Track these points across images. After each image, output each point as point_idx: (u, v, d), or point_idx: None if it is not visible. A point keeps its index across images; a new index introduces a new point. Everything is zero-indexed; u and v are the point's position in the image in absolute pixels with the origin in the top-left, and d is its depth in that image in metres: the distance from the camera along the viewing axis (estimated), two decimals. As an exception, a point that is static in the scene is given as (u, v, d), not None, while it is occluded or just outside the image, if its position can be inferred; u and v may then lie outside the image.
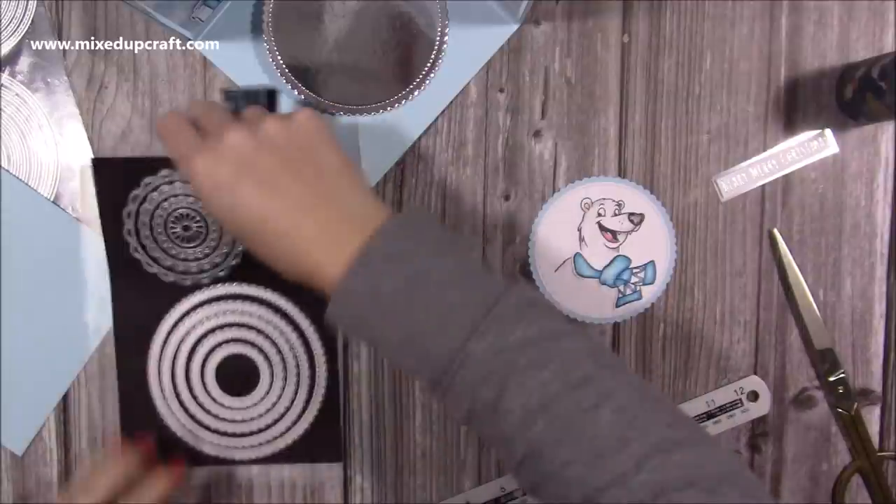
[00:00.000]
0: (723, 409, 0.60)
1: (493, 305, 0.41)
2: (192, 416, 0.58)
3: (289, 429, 0.58)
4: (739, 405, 0.60)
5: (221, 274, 0.57)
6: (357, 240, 0.42)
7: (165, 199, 0.56)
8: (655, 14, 0.59)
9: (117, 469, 0.53)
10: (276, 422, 0.58)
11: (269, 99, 0.52)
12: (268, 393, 0.58)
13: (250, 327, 0.58)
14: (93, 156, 0.57)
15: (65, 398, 0.59)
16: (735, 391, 0.60)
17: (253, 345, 0.58)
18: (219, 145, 0.44)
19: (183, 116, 0.48)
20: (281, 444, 0.58)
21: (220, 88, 0.57)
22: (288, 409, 0.58)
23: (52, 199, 0.58)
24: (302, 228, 0.43)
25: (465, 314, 0.40)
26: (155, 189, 0.56)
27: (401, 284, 0.41)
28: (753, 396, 0.60)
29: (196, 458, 0.58)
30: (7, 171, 0.58)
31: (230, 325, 0.58)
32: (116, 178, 0.56)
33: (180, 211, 0.56)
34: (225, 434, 0.58)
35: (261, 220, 0.44)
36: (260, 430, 0.58)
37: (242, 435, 0.58)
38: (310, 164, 0.45)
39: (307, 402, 0.58)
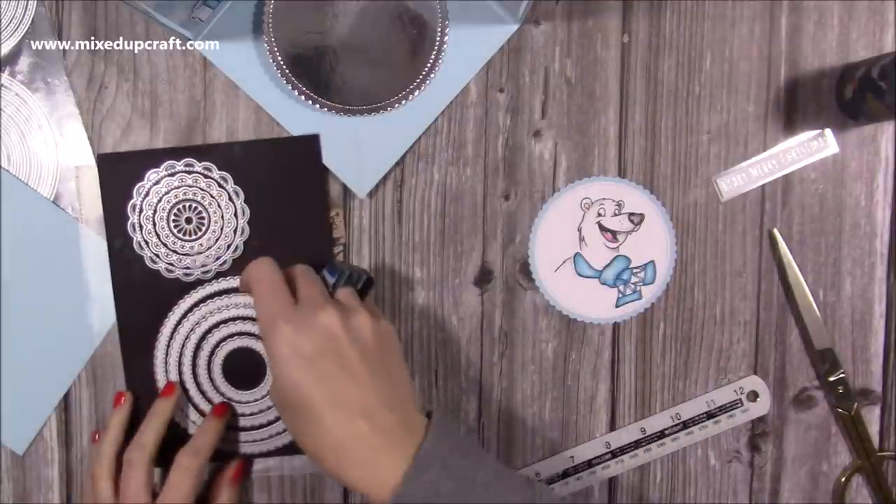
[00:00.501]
0: (723, 409, 0.60)
1: (534, 499, 0.45)
2: (200, 412, 0.58)
3: None
4: (739, 405, 0.60)
5: (224, 268, 0.57)
6: (409, 447, 0.44)
7: (168, 192, 0.57)
8: (655, 14, 0.58)
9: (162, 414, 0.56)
10: None
11: (364, 286, 0.53)
12: None
13: (255, 320, 0.58)
14: (94, 155, 0.58)
15: (66, 397, 0.59)
16: (735, 391, 0.60)
17: (259, 338, 0.58)
18: (310, 319, 0.46)
19: (279, 272, 0.50)
20: (286, 437, 0.59)
21: (329, 258, 0.58)
22: None
23: (52, 199, 0.58)
24: (360, 427, 0.44)
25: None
26: (158, 182, 0.57)
27: (456, 486, 0.43)
28: (753, 396, 0.60)
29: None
30: (7, 171, 0.58)
31: (235, 318, 0.58)
32: (120, 172, 0.57)
33: (183, 203, 0.57)
34: (233, 428, 0.58)
35: (324, 403, 0.45)
36: (269, 423, 0.59)
37: (252, 428, 0.59)
38: (383, 368, 0.47)
39: None
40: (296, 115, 0.58)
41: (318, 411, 0.45)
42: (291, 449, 0.59)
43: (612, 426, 0.60)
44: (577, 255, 0.59)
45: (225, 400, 0.58)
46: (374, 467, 0.44)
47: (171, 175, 0.57)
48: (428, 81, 0.57)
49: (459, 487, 0.44)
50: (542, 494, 0.46)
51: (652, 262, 0.59)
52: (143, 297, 0.58)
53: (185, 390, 0.58)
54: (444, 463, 0.44)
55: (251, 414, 0.59)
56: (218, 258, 0.57)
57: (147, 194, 0.57)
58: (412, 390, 0.49)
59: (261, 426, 0.59)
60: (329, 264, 0.53)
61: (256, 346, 0.58)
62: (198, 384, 0.58)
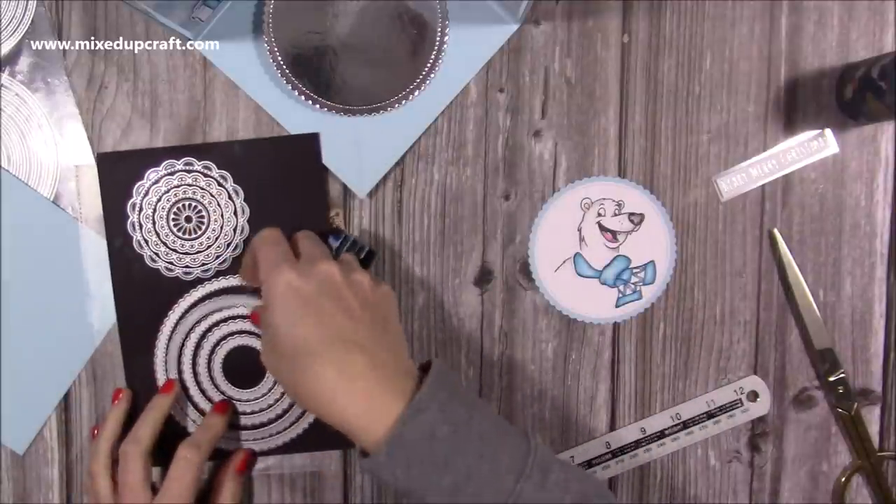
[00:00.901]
0: (723, 409, 0.60)
1: (529, 453, 0.45)
2: (199, 410, 0.58)
3: (298, 418, 0.58)
4: (739, 405, 0.60)
5: (224, 266, 0.57)
6: (407, 389, 0.45)
7: (168, 190, 0.57)
8: (655, 14, 0.58)
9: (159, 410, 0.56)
10: (284, 412, 0.59)
11: (367, 257, 0.55)
12: (275, 384, 0.58)
13: None
14: (94, 154, 0.58)
15: (66, 397, 0.59)
16: (735, 391, 0.60)
17: (258, 336, 0.58)
18: (310, 267, 0.47)
19: (283, 235, 0.52)
20: (290, 434, 0.59)
21: (333, 225, 0.58)
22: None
23: (52, 199, 0.58)
24: (357, 363, 0.45)
25: (512, 460, 0.44)
26: (157, 181, 0.57)
27: (451, 431, 0.44)
28: (753, 396, 0.60)
29: None
30: (7, 171, 0.58)
31: (235, 317, 0.58)
32: (120, 172, 0.57)
33: (182, 202, 0.57)
34: (234, 426, 0.58)
35: (322, 339, 0.45)
36: (270, 421, 0.59)
37: (252, 427, 0.59)
38: (382, 320, 0.48)
39: None
40: (296, 114, 0.58)
41: (315, 347, 0.45)
42: (291, 448, 0.59)
43: (612, 426, 0.60)
44: (577, 255, 0.59)
45: (225, 398, 0.58)
46: (370, 406, 0.44)
47: (171, 174, 0.57)
48: (428, 81, 0.57)
49: (455, 432, 0.44)
50: (538, 449, 0.45)
51: (652, 262, 0.59)
52: (143, 295, 0.58)
53: (185, 389, 0.58)
54: (441, 407, 0.44)
55: (251, 412, 0.59)
56: (218, 257, 0.57)
57: (147, 193, 0.57)
58: (408, 348, 0.50)
59: (261, 425, 0.59)
60: (331, 230, 0.55)
61: (256, 344, 0.58)
62: (198, 383, 0.58)
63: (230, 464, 0.57)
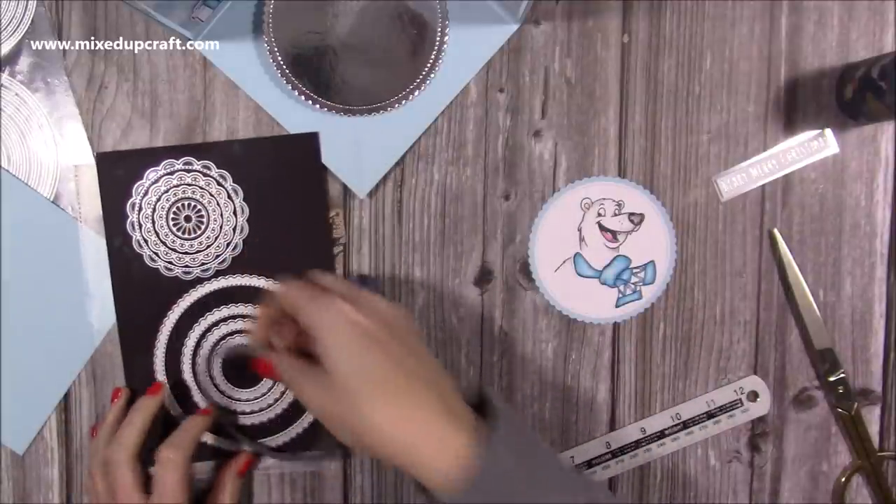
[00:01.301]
0: (723, 409, 0.60)
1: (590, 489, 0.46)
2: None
3: (298, 418, 0.58)
4: (739, 405, 0.60)
5: (223, 266, 0.57)
6: (468, 429, 0.44)
7: (167, 190, 0.57)
8: (655, 14, 0.58)
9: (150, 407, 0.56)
10: (284, 412, 0.59)
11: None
12: (275, 383, 0.58)
13: (255, 318, 0.58)
14: (94, 154, 0.58)
15: (66, 397, 0.59)
16: (735, 391, 0.60)
17: None
18: (363, 302, 0.46)
19: (310, 285, 0.50)
20: (291, 434, 0.59)
21: (358, 274, 0.59)
22: (296, 399, 0.58)
23: (51, 199, 0.58)
24: (422, 396, 0.44)
25: (578, 494, 0.44)
26: (157, 180, 0.57)
27: (525, 470, 0.43)
28: (753, 396, 0.60)
29: (205, 451, 0.58)
30: (7, 171, 0.58)
31: (234, 317, 0.58)
32: (119, 171, 0.57)
33: (182, 202, 0.57)
34: (233, 427, 0.58)
35: (389, 374, 0.44)
36: (270, 421, 0.59)
37: (251, 427, 0.59)
38: (428, 352, 0.48)
39: None
40: (296, 114, 0.58)
41: (380, 382, 0.44)
42: (291, 448, 0.59)
43: (612, 426, 0.60)
44: (577, 255, 0.59)
45: (221, 400, 0.58)
46: (436, 441, 0.43)
47: (170, 173, 0.57)
48: (428, 81, 0.57)
49: (528, 470, 0.43)
50: (599, 488, 0.46)
51: (652, 262, 0.59)
52: (143, 295, 0.58)
53: (185, 389, 0.58)
54: (512, 443, 0.44)
55: (251, 412, 0.59)
56: (217, 256, 0.57)
57: (146, 193, 0.57)
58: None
59: (261, 425, 0.59)
60: (360, 278, 0.57)
61: (256, 344, 0.58)
62: (198, 382, 0.58)
63: (232, 465, 0.57)
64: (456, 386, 0.46)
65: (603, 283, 0.59)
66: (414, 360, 0.46)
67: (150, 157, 0.57)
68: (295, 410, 0.59)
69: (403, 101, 0.57)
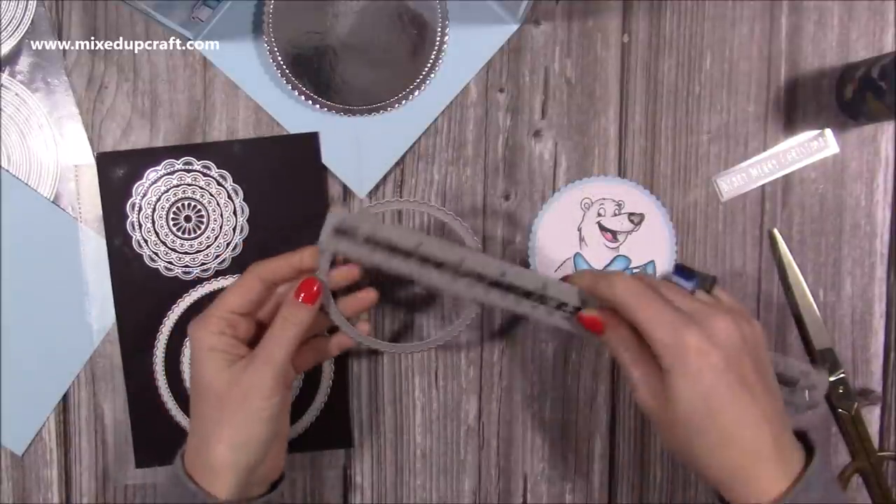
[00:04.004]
0: (723, 410, 0.60)
1: None
2: None
3: (298, 418, 0.58)
4: (739, 405, 0.60)
5: (223, 266, 0.57)
6: (799, 460, 0.44)
7: (167, 190, 0.57)
8: (655, 14, 0.59)
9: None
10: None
11: (711, 285, 0.52)
12: None
13: None
14: (94, 154, 0.58)
15: (65, 398, 0.59)
16: (735, 391, 0.60)
17: None
18: (709, 327, 0.44)
19: (649, 283, 0.48)
20: (291, 434, 0.58)
21: (676, 263, 0.57)
22: (296, 396, 0.58)
23: (51, 199, 0.58)
24: (762, 437, 0.44)
25: None
26: (157, 180, 0.57)
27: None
28: (753, 396, 0.60)
29: None
30: (7, 171, 0.58)
31: None
32: (119, 171, 0.57)
33: (182, 202, 0.57)
34: None
35: (726, 415, 0.44)
36: None
37: None
38: (768, 375, 0.46)
39: (315, 389, 0.58)
40: (296, 114, 0.58)
41: (726, 424, 0.43)
42: (291, 448, 0.58)
43: (612, 426, 0.60)
44: (577, 255, 0.59)
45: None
46: (758, 475, 0.43)
47: (170, 173, 0.57)
48: (428, 81, 0.57)
49: None
50: None
51: (652, 262, 0.59)
52: (143, 295, 0.57)
53: (184, 390, 0.58)
54: (826, 488, 0.44)
55: None
56: (217, 256, 0.57)
57: (146, 193, 0.57)
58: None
59: None
60: (676, 270, 0.53)
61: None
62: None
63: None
64: (787, 420, 0.46)
65: (603, 283, 0.59)
66: (766, 398, 0.44)
67: (150, 157, 0.57)
68: (296, 410, 0.58)
69: (403, 101, 0.57)
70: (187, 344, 0.58)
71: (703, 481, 0.44)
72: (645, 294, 0.46)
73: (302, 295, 0.49)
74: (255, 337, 0.49)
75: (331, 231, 0.49)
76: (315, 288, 0.49)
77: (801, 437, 0.46)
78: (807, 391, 0.51)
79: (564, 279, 0.50)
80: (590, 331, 0.49)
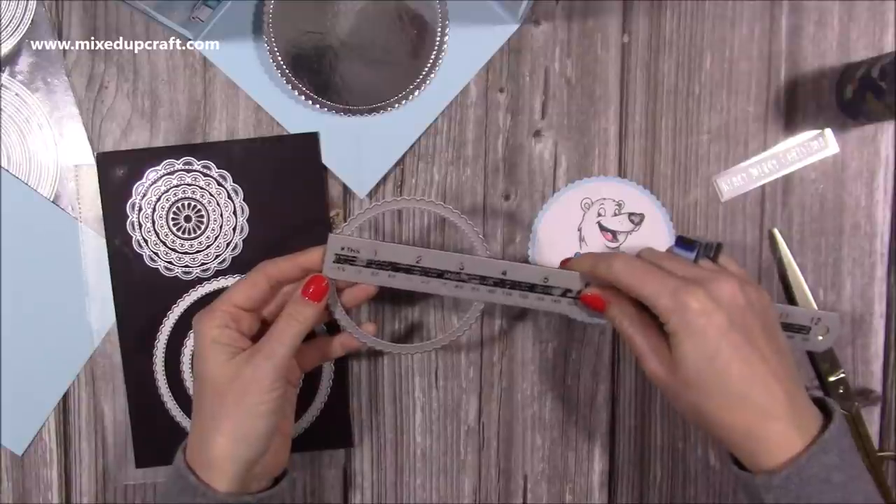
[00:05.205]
0: (723, 409, 0.60)
1: None
2: None
3: (299, 417, 0.58)
4: (739, 405, 0.60)
5: (223, 266, 0.57)
6: (815, 424, 0.44)
7: (167, 190, 0.57)
8: (655, 14, 0.59)
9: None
10: None
11: (716, 252, 0.51)
12: None
13: None
14: (94, 154, 0.58)
15: (64, 398, 0.59)
16: (735, 391, 0.60)
17: None
18: (713, 290, 0.44)
19: (650, 256, 0.49)
20: (292, 433, 0.58)
21: (677, 235, 0.58)
22: (296, 396, 0.58)
23: (52, 199, 0.58)
24: (773, 396, 0.43)
25: None
26: (157, 180, 0.57)
27: (844, 481, 0.43)
28: (753, 396, 0.60)
29: None
30: (7, 171, 0.58)
31: None
32: (119, 171, 0.57)
33: (182, 202, 0.57)
34: None
35: (734, 374, 0.43)
36: None
37: None
38: (778, 338, 0.46)
39: (315, 389, 0.58)
40: (296, 114, 0.58)
41: (735, 381, 0.43)
42: (291, 447, 0.58)
43: (612, 426, 0.60)
44: (577, 254, 0.59)
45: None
46: (773, 434, 0.43)
47: (170, 173, 0.57)
48: (428, 81, 0.57)
49: (846, 484, 0.42)
50: None
51: (652, 262, 0.59)
52: (143, 295, 0.57)
53: (184, 389, 0.58)
54: (841, 454, 0.43)
55: None
56: (217, 256, 0.57)
57: (146, 193, 0.57)
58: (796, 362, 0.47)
59: None
60: (677, 241, 0.52)
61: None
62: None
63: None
64: (801, 382, 0.45)
65: (603, 283, 0.59)
66: (776, 358, 0.44)
67: (150, 156, 0.57)
68: (296, 410, 0.58)
69: (403, 101, 0.57)
70: (187, 344, 0.58)
71: (717, 443, 0.43)
72: (643, 267, 0.47)
73: (310, 290, 0.49)
74: (259, 334, 0.49)
75: (332, 261, 0.49)
76: (323, 284, 0.49)
77: (821, 404, 0.46)
78: (819, 336, 0.52)
79: (563, 264, 0.51)
80: (595, 309, 0.49)
